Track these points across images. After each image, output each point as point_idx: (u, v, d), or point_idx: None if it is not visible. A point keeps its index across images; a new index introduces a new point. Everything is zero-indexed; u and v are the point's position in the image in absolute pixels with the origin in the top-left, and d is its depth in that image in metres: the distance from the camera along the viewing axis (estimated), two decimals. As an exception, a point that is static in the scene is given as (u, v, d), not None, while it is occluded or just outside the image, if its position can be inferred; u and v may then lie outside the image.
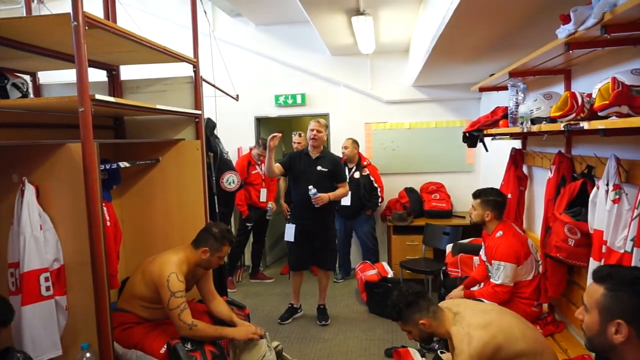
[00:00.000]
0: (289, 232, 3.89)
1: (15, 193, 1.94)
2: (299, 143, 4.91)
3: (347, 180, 3.98)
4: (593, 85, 1.89)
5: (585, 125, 1.73)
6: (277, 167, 3.81)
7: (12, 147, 2.05)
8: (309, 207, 3.69)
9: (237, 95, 3.97)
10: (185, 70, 2.99)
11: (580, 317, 1.36)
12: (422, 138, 5.34)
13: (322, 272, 4.00)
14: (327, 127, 3.88)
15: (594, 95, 1.76)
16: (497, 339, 1.87)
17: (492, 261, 2.74)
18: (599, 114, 1.67)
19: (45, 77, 2.97)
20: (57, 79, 3.02)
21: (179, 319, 2.24)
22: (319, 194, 3.63)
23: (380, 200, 4.86)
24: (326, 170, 3.77)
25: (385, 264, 4.60)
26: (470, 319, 1.98)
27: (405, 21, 3.94)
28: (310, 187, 3.63)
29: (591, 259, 2.05)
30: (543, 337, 2.15)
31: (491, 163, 4.70)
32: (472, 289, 3.00)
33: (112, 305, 2.28)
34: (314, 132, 3.76)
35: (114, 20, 2.86)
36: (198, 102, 2.97)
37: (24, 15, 2.77)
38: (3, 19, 1.86)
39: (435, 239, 4.55)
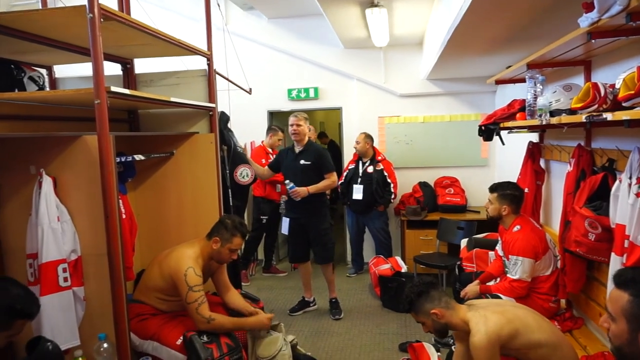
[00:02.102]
0: (284, 226, 3.96)
1: (33, 184, 1.96)
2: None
3: (332, 170, 3.85)
4: (614, 77, 1.85)
5: (609, 116, 1.68)
6: (266, 169, 3.99)
7: (30, 139, 2.08)
8: (298, 201, 3.73)
9: (250, 89, 3.97)
10: (199, 63, 2.98)
11: (606, 326, 1.28)
12: (436, 132, 5.28)
13: (322, 266, 3.98)
14: (307, 119, 3.85)
15: (617, 86, 1.72)
16: (514, 324, 1.90)
17: (510, 256, 2.71)
18: (624, 104, 1.62)
19: (61, 71, 3.00)
20: (73, 72, 3.04)
21: (197, 313, 2.26)
22: (296, 188, 3.66)
23: (392, 196, 4.81)
24: (309, 163, 3.75)
25: (398, 259, 4.58)
26: (486, 307, 2.03)
27: (419, 13, 3.89)
28: (287, 181, 3.69)
29: (612, 254, 2.00)
30: (560, 331, 2.14)
31: (506, 157, 4.63)
32: (488, 284, 2.97)
33: (128, 296, 2.30)
34: (294, 126, 3.78)
35: (128, 14, 2.86)
36: (212, 95, 2.97)
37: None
38: (20, 12, 1.87)
39: (449, 233, 4.51)
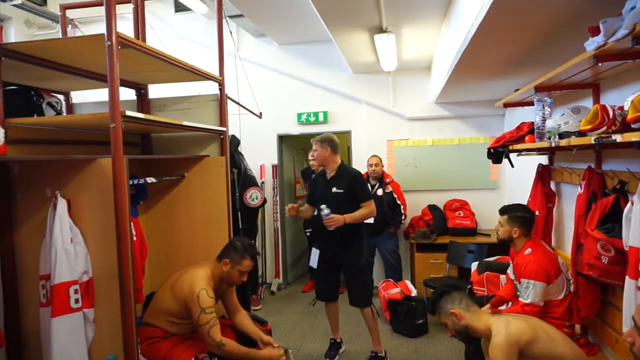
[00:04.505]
0: (313, 258, 3.54)
1: (48, 206, 2.00)
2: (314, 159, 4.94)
3: (369, 198, 3.38)
4: (622, 99, 1.86)
5: (618, 137, 1.68)
6: (307, 206, 3.49)
7: (47, 162, 2.13)
8: (329, 234, 3.23)
9: (261, 113, 4.04)
10: (211, 88, 3.06)
11: (630, 340, 1.25)
12: (445, 155, 5.30)
13: (360, 309, 3.40)
14: (327, 140, 3.35)
15: (626, 108, 1.73)
16: (535, 331, 1.93)
17: (521, 279, 2.66)
18: (633, 126, 1.63)
19: (77, 96, 3.08)
20: (88, 98, 3.12)
21: (209, 336, 2.26)
22: (332, 215, 3.14)
23: (403, 217, 4.80)
24: (341, 191, 3.27)
25: (408, 283, 4.53)
26: (509, 315, 2.10)
27: (427, 38, 3.96)
28: (323, 206, 3.17)
29: (627, 277, 1.97)
30: (584, 353, 2.12)
31: (516, 180, 4.61)
32: (499, 308, 2.92)
33: (138, 319, 2.30)
34: (312, 152, 3.45)
35: (144, 41, 2.95)
36: (223, 119, 3.02)
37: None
38: (42, 41, 1.95)
39: (459, 257, 4.46)
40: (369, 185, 4.78)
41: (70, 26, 4.81)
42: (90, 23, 5.25)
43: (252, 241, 2.90)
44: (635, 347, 1.23)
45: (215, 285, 2.43)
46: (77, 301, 1.94)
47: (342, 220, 3.16)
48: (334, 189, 3.31)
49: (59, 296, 1.90)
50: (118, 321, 1.93)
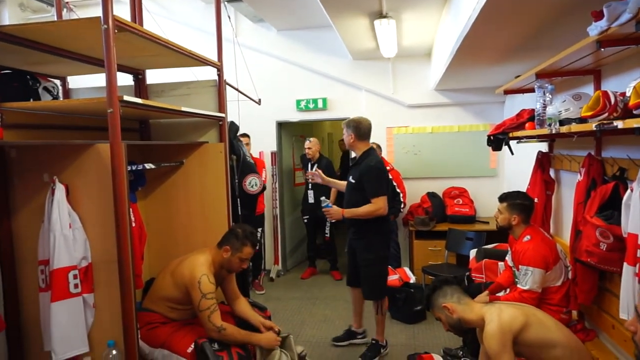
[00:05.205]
0: None
1: (46, 192, 1.99)
2: (309, 148, 4.95)
3: (379, 194, 3.07)
4: (624, 85, 1.84)
5: (619, 124, 1.67)
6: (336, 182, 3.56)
7: (43, 147, 2.11)
8: (347, 221, 3.23)
9: (259, 100, 4.01)
10: (209, 74, 3.03)
11: (632, 329, 1.27)
12: (444, 142, 5.28)
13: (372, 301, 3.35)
14: (352, 125, 3.20)
15: (628, 94, 1.71)
16: (528, 317, 1.96)
17: (520, 266, 2.68)
18: (635, 112, 1.61)
19: (74, 82, 3.05)
20: (85, 84, 3.09)
21: (209, 321, 2.27)
22: (331, 208, 3.13)
23: (402, 205, 4.81)
24: (354, 182, 3.14)
25: (407, 269, 4.55)
26: (501, 303, 2.13)
27: (428, 24, 3.92)
28: (323, 198, 3.20)
29: (625, 264, 1.97)
30: (579, 340, 2.15)
31: (515, 167, 4.61)
32: (497, 294, 2.94)
33: (137, 304, 2.31)
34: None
35: (141, 25, 2.91)
36: (222, 105, 3.00)
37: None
38: (37, 23, 1.92)
39: (458, 244, 4.48)
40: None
41: (65, 10, 4.74)
42: (85, 7, 5.19)
43: (258, 228, 2.90)
44: (637, 336, 1.25)
45: (216, 272, 2.44)
46: (76, 286, 1.95)
47: (339, 215, 3.12)
48: (350, 178, 3.21)
49: (58, 281, 1.90)
50: (118, 306, 1.94)
